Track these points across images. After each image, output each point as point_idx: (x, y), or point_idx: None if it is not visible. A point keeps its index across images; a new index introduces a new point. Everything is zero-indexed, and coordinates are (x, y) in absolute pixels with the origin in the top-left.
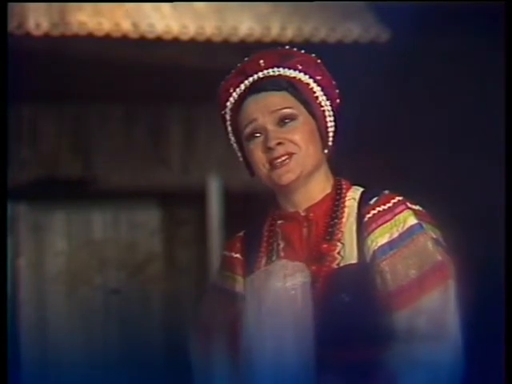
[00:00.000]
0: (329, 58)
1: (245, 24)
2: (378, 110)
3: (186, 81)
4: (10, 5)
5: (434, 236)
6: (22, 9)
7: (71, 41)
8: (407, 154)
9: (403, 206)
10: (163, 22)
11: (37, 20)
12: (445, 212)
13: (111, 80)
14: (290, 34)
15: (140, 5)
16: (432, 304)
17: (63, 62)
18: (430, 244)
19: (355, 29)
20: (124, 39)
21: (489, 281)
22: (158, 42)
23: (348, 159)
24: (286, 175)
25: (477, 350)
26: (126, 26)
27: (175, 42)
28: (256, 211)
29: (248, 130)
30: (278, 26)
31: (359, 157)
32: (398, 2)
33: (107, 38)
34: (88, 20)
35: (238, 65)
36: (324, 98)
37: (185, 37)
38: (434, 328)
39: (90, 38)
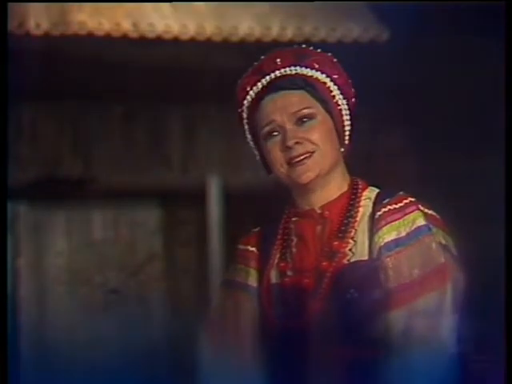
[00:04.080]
0: None
1: (245, 24)
2: (377, 109)
3: (186, 81)
4: (10, 5)
5: (443, 241)
6: (22, 9)
7: (71, 41)
8: (406, 154)
9: (414, 207)
10: (163, 21)
11: (37, 20)
12: (444, 211)
13: (111, 80)
14: (290, 33)
15: (140, 5)
16: (428, 306)
17: (63, 62)
18: (434, 246)
19: (355, 29)
20: (124, 39)
21: (489, 281)
22: (158, 41)
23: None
24: (306, 174)
25: (477, 350)
26: (126, 26)
27: (175, 41)
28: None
29: (266, 129)
30: (277, 25)
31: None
32: (397, 2)
33: (107, 38)
34: (88, 20)
35: (255, 63)
36: (341, 96)
37: (185, 37)
38: (428, 331)
39: (90, 37)
